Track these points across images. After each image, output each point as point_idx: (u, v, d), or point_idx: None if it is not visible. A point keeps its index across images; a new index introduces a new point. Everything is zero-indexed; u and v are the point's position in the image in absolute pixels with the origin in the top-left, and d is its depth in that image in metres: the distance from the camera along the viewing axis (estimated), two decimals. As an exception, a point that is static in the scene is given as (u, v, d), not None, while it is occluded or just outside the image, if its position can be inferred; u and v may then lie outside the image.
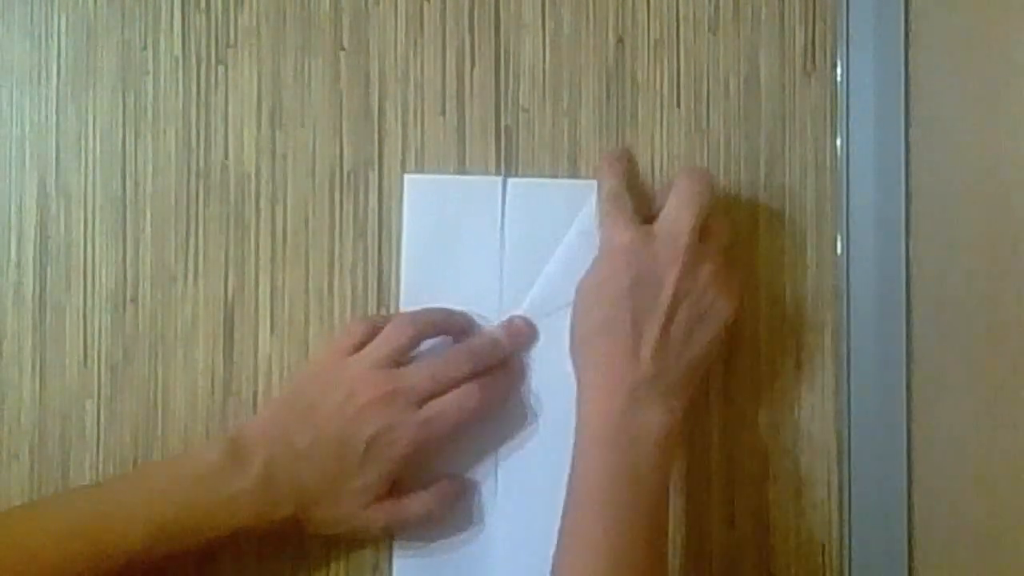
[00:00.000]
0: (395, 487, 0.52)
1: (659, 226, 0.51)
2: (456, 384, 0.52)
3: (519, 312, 0.55)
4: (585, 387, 0.51)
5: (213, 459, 0.49)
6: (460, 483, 0.55)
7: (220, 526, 0.49)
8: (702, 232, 0.51)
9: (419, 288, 0.56)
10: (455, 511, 0.54)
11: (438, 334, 0.54)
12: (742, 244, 0.56)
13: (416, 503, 0.52)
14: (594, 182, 0.54)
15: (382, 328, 0.53)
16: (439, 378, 0.51)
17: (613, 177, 0.53)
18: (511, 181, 0.56)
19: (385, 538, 0.55)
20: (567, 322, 0.53)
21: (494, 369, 0.54)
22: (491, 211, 0.56)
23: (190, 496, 0.48)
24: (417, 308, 0.55)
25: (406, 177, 0.56)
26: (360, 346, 0.52)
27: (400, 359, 0.52)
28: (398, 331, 0.52)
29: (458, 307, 0.55)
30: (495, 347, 0.54)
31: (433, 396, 0.51)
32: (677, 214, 0.50)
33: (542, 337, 0.55)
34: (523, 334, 0.55)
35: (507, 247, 0.56)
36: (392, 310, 0.56)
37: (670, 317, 0.50)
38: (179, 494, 0.48)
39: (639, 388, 0.49)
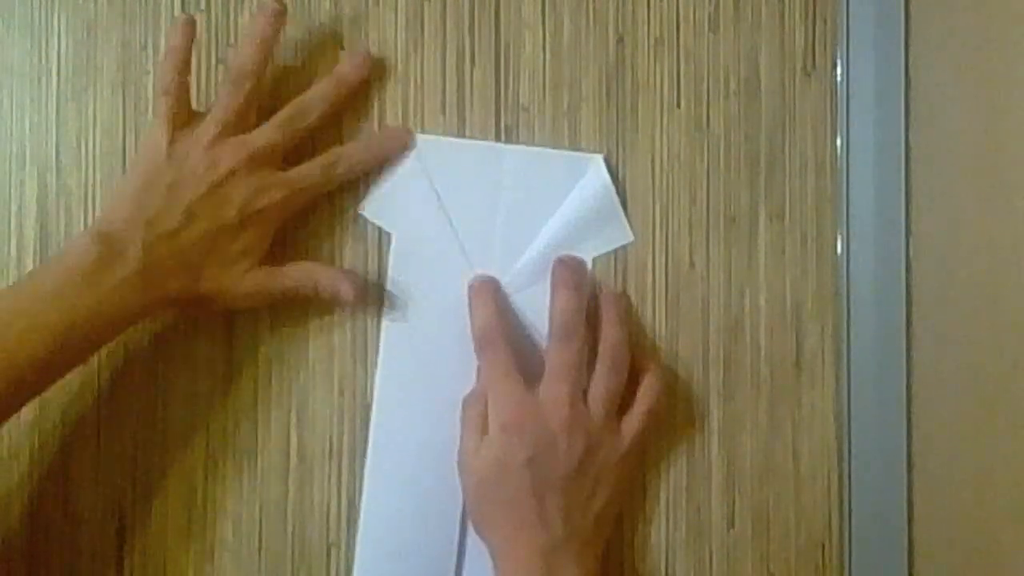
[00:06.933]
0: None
1: (543, 394, 0.51)
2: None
3: (507, 279, 0.55)
4: (499, 561, 0.51)
5: (90, 256, 0.48)
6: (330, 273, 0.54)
7: (115, 317, 0.49)
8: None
9: (408, 252, 0.56)
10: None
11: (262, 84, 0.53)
12: (742, 244, 0.56)
13: (293, 272, 0.53)
14: (595, 155, 0.55)
15: (186, 84, 0.52)
16: (290, 133, 0.52)
17: (484, 308, 0.53)
18: (508, 148, 0.56)
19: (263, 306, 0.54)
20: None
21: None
22: (489, 177, 0.56)
23: (80, 294, 0.48)
24: (406, 271, 0.55)
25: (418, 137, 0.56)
26: (187, 118, 0.51)
27: (243, 121, 0.52)
28: (232, 94, 0.52)
29: (448, 276, 0.55)
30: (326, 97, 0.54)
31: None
32: (555, 387, 0.51)
33: (530, 305, 0.55)
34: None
35: (502, 214, 0.56)
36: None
37: (571, 479, 0.50)
38: (69, 295, 0.47)
39: (552, 553, 0.50)
